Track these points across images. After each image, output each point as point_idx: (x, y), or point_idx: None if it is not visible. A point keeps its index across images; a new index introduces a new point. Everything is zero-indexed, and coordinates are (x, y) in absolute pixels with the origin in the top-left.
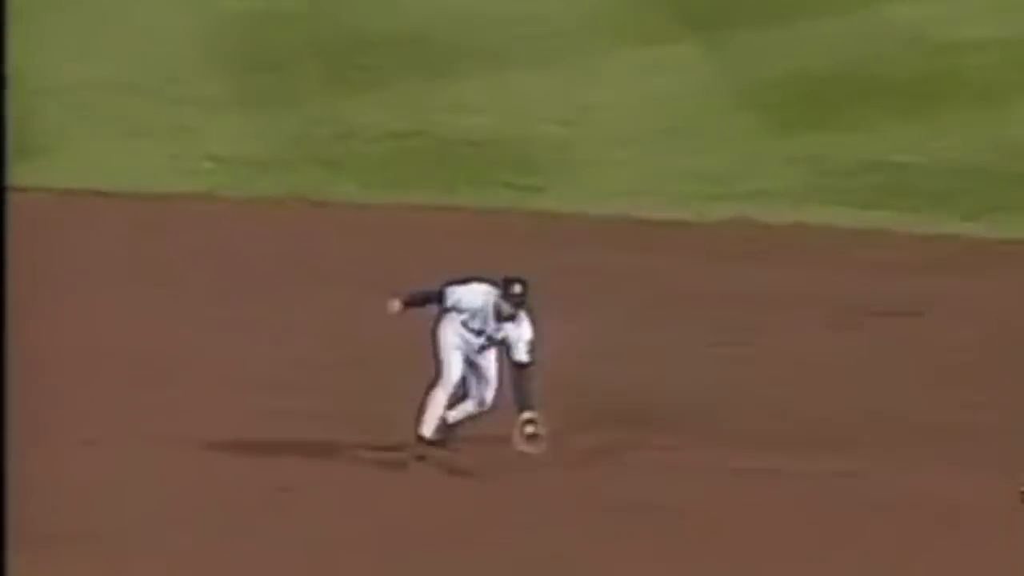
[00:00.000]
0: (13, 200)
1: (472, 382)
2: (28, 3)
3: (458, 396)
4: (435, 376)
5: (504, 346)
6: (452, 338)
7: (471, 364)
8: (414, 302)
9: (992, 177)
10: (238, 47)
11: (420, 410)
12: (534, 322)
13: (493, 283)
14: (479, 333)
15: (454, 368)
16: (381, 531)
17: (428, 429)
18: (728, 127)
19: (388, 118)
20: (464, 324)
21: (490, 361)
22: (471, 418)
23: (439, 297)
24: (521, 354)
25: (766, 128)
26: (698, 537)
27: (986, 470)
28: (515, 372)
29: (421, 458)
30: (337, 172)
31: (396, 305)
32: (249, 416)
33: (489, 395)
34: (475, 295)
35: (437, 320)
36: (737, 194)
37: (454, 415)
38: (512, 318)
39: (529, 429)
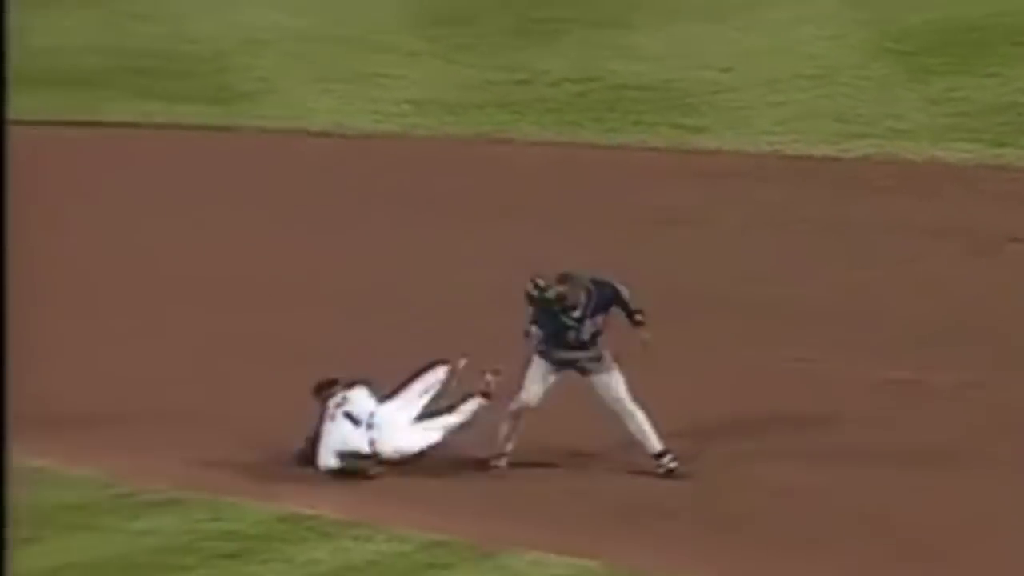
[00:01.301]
0: (226, 139)
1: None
2: None
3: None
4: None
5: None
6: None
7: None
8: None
9: None
10: (433, 2)
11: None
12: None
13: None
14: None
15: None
16: None
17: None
18: (871, 72)
19: (566, 66)
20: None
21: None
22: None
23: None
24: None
25: (905, 72)
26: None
27: None
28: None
29: None
30: (519, 114)
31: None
32: (463, 337)
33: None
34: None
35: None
36: (879, 133)
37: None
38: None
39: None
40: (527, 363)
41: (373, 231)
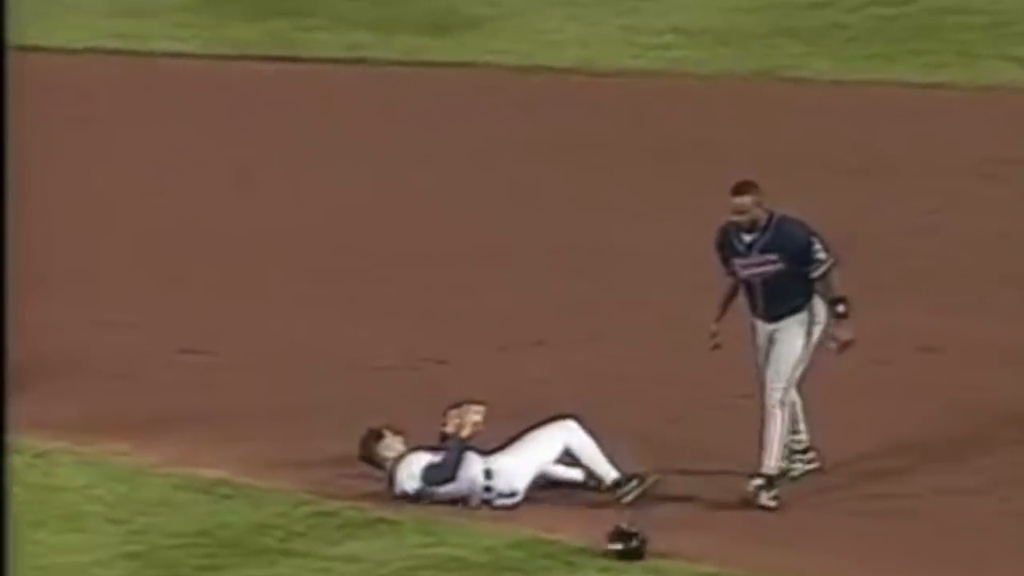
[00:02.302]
0: (448, 76)
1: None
2: None
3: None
4: None
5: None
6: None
7: None
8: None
9: None
10: None
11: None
12: None
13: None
14: None
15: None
16: None
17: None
18: None
19: None
20: None
21: None
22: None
23: None
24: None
25: None
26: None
27: None
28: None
29: None
30: (811, 45)
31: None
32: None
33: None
34: None
35: None
36: None
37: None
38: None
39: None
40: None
41: (631, 186)
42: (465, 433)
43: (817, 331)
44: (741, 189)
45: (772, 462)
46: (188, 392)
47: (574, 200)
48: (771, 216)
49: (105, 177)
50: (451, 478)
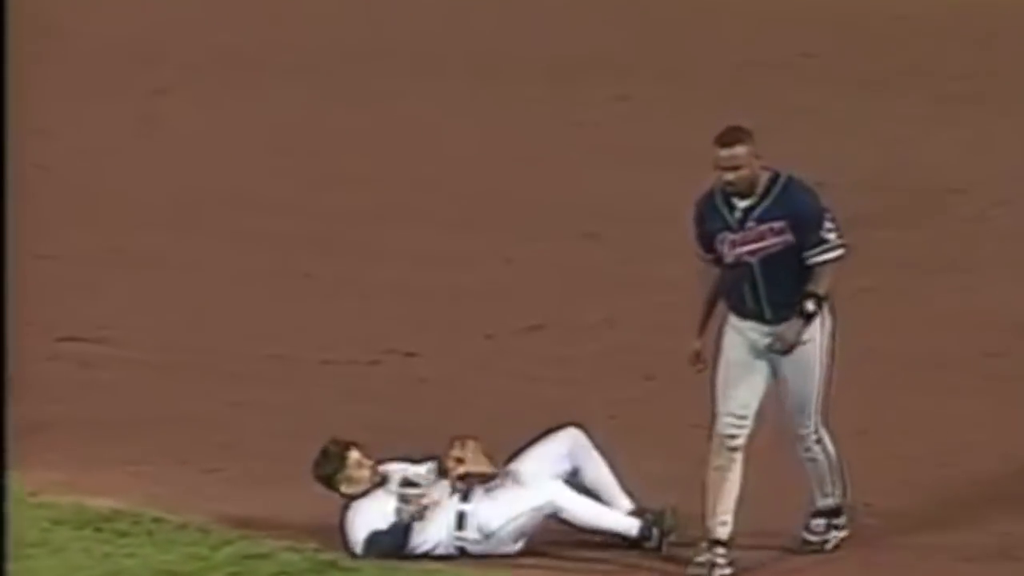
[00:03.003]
0: None
1: None
2: None
3: None
4: None
5: None
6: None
7: None
8: None
9: None
10: None
11: None
12: None
13: None
14: None
15: None
16: None
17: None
18: None
19: None
20: None
21: None
22: None
23: None
24: None
25: None
26: None
27: None
28: None
29: None
30: None
31: None
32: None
33: None
34: None
35: None
36: None
37: None
38: None
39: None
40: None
41: (654, 125)
42: (459, 472)
43: (828, 328)
44: (730, 138)
45: (837, 490)
46: (70, 394)
47: (579, 145)
48: (776, 175)
49: None
50: (401, 547)
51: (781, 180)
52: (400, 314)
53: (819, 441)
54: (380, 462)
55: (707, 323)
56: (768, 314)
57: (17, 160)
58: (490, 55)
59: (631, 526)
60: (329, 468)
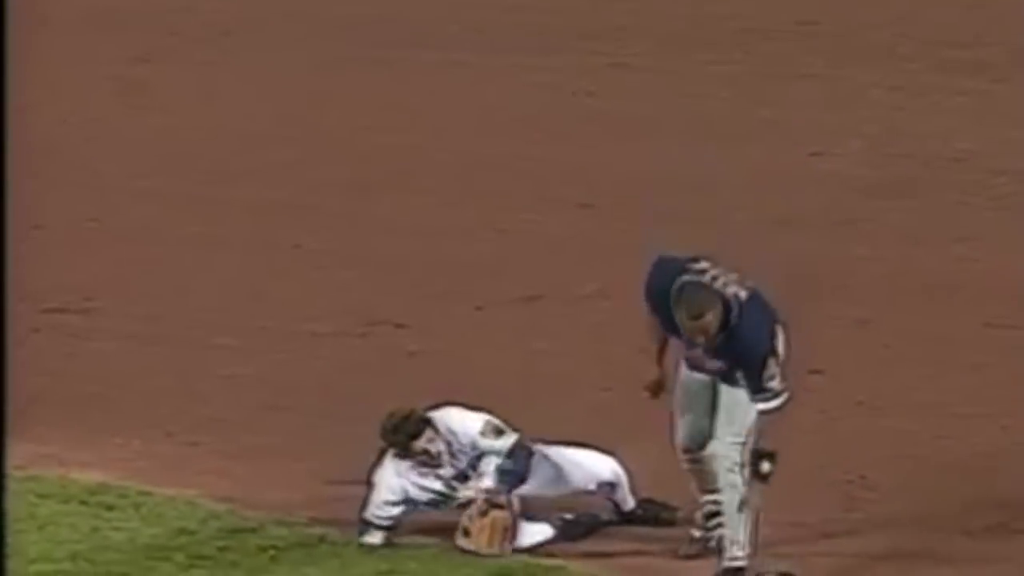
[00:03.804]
0: None
1: None
2: None
3: None
4: None
5: None
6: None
7: None
8: None
9: None
10: None
11: None
12: None
13: None
14: None
15: None
16: None
17: None
18: None
19: None
20: None
21: None
22: None
23: None
24: None
25: None
26: None
27: None
28: None
29: None
30: None
31: None
32: None
33: None
34: None
35: None
36: None
37: None
38: None
39: None
40: None
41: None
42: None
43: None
44: (696, 311)
45: (740, 551)
46: (56, 366)
47: (575, 114)
48: (727, 319)
49: None
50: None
51: (731, 323)
52: (390, 285)
53: (743, 464)
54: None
55: (663, 355)
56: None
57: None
58: (483, 23)
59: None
60: (410, 432)
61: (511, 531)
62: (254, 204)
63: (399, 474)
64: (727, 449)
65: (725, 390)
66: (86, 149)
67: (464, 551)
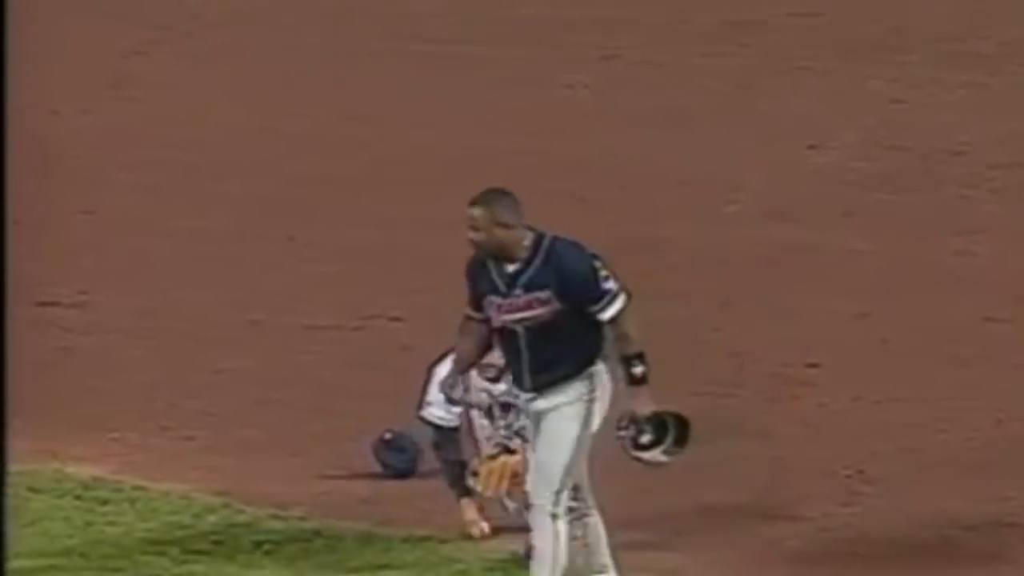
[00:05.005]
0: None
1: None
2: None
3: None
4: None
5: None
6: None
7: None
8: None
9: None
10: None
11: None
12: None
13: None
14: None
15: None
16: None
17: None
18: None
19: None
20: None
21: None
22: None
23: None
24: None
25: None
26: None
27: None
28: None
29: None
30: None
31: None
32: None
33: None
34: None
35: None
36: None
37: None
38: None
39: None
40: None
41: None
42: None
43: (599, 410)
44: (476, 198)
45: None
46: (50, 360)
47: (568, 106)
48: (539, 238)
49: None
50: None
51: (544, 243)
52: (385, 279)
53: (556, 516)
54: None
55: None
56: (527, 383)
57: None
58: (478, 15)
59: None
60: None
61: (520, 478)
62: (247, 197)
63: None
64: (539, 506)
65: (547, 429)
66: (79, 141)
67: (471, 492)
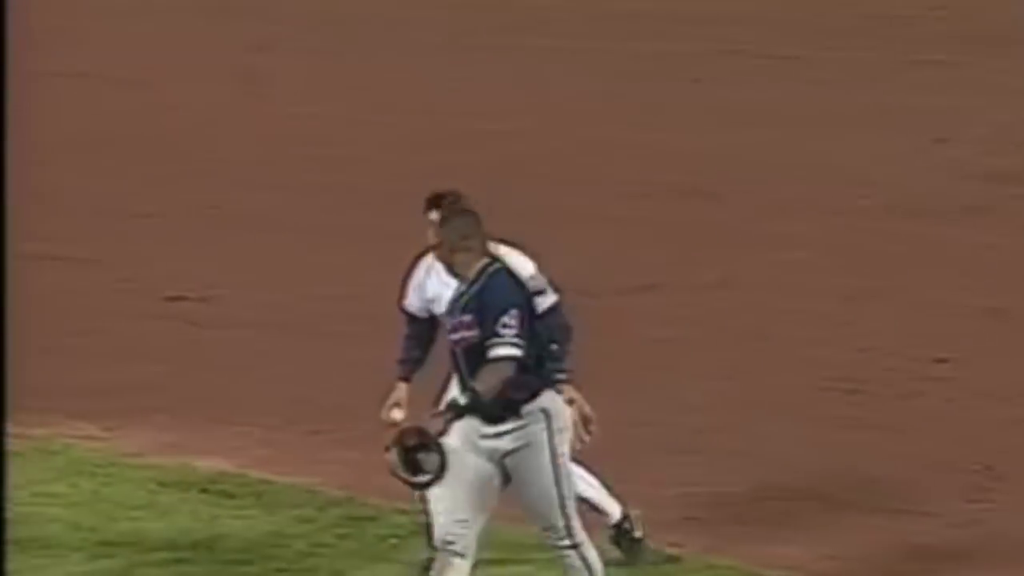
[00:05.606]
0: None
1: None
2: None
3: None
4: None
5: None
6: None
7: None
8: None
9: None
10: None
11: None
12: None
13: None
14: None
15: None
16: None
17: None
18: None
19: None
20: None
21: None
22: None
23: None
24: None
25: None
26: None
27: None
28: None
29: None
30: None
31: None
32: None
33: None
34: None
35: None
36: None
37: None
38: None
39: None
40: None
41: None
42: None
43: (565, 437)
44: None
45: None
46: (177, 354)
47: (692, 101)
48: (487, 265)
49: None
50: None
51: (488, 272)
52: None
53: (575, 547)
54: None
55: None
56: (482, 415)
57: (108, 111)
58: (593, 9)
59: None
60: None
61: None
62: (375, 192)
63: (432, 271)
64: (559, 550)
65: (520, 477)
66: (206, 136)
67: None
